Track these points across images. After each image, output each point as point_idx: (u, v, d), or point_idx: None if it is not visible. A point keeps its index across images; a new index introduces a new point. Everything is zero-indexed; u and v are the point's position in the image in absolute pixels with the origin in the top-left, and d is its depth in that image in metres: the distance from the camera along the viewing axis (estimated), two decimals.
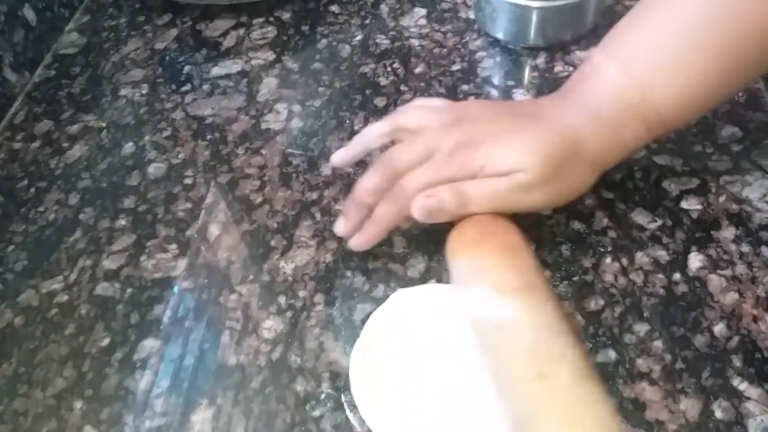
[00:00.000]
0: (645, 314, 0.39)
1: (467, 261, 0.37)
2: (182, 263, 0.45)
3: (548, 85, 0.54)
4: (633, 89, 0.38)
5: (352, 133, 0.51)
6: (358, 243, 0.41)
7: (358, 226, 0.41)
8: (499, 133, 0.39)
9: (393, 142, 0.42)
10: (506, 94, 0.54)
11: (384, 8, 0.63)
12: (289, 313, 0.41)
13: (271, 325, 0.41)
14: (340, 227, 0.42)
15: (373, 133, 0.42)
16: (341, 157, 0.44)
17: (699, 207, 0.43)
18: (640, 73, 0.38)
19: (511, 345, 0.32)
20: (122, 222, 0.48)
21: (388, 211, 0.40)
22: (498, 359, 0.33)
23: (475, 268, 0.36)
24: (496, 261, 0.36)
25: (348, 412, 0.36)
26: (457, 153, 0.38)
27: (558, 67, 0.55)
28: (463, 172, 0.38)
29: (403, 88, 0.55)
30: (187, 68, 0.60)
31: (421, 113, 0.42)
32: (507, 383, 0.32)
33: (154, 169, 0.51)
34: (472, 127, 0.39)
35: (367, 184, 0.40)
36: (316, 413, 0.37)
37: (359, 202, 0.40)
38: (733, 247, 0.41)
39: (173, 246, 0.46)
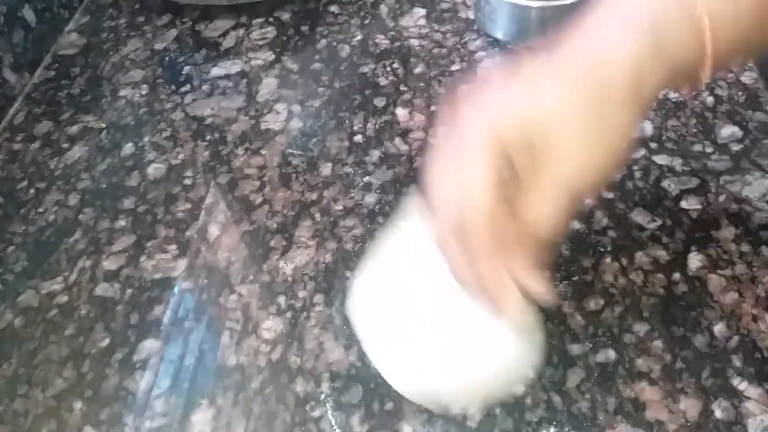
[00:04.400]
0: (645, 314, 0.39)
1: None
2: (182, 263, 0.45)
3: None
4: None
5: (352, 134, 0.51)
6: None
7: None
8: None
9: None
10: None
11: (383, 8, 0.63)
12: (288, 314, 0.41)
13: (270, 326, 0.41)
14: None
15: None
16: None
17: (699, 207, 0.43)
18: None
19: None
20: (122, 222, 0.48)
21: None
22: None
23: None
24: None
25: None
26: None
27: None
28: None
29: (402, 88, 0.55)
30: (186, 69, 0.60)
31: None
32: None
33: (154, 170, 0.51)
34: None
35: None
36: (316, 413, 0.37)
37: None
38: (732, 246, 0.41)
39: (173, 246, 0.46)
